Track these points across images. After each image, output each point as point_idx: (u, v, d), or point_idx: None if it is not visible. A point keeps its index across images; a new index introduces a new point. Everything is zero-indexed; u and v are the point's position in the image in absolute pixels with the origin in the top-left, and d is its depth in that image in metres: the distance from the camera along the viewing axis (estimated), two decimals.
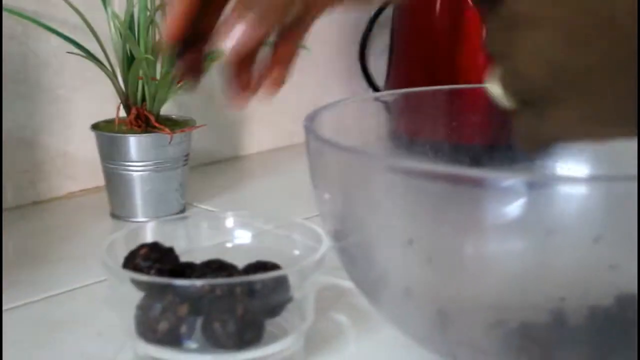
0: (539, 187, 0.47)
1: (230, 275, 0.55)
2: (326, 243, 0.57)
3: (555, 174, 0.65)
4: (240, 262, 0.58)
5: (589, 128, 0.43)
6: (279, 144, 1.09)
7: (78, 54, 0.82)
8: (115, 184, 0.84)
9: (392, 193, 0.53)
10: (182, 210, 0.86)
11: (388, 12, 1.12)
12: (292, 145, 1.09)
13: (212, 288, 0.53)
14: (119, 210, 0.85)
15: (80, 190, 0.93)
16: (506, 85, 0.44)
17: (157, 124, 0.82)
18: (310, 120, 0.59)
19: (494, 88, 0.45)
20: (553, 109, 0.43)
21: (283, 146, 1.09)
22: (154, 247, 0.56)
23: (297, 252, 0.60)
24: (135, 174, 0.83)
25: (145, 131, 0.83)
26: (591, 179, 0.53)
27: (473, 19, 0.99)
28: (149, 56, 0.80)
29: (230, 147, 1.06)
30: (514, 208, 0.49)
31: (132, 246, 0.57)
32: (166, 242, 0.58)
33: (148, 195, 0.83)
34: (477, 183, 0.47)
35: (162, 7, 0.84)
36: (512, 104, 0.45)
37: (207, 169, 1.01)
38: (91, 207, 0.89)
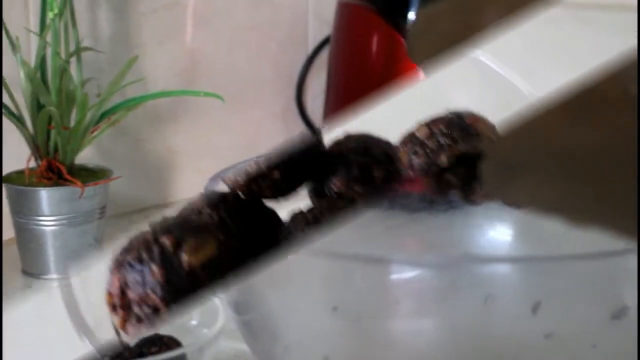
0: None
1: (122, 354, 0.51)
2: (223, 314, 0.53)
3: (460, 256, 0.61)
4: None
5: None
6: None
7: None
8: (26, 239, 0.79)
9: (306, 269, 0.49)
10: None
11: (325, 52, 1.09)
12: None
13: None
14: (31, 267, 0.80)
15: None
16: None
17: (68, 176, 0.78)
18: (213, 182, 0.55)
19: None
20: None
21: None
22: None
23: (194, 322, 0.56)
24: (46, 228, 0.78)
25: (57, 184, 0.78)
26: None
27: (408, 61, 0.95)
28: (55, 106, 0.76)
29: (157, 194, 1.01)
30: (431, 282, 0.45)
31: None
32: None
33: (60, 251, 0.79)
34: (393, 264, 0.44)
35: (76, 53, 0.80)
36: None
37: (132, 218, 0.97)
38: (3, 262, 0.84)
